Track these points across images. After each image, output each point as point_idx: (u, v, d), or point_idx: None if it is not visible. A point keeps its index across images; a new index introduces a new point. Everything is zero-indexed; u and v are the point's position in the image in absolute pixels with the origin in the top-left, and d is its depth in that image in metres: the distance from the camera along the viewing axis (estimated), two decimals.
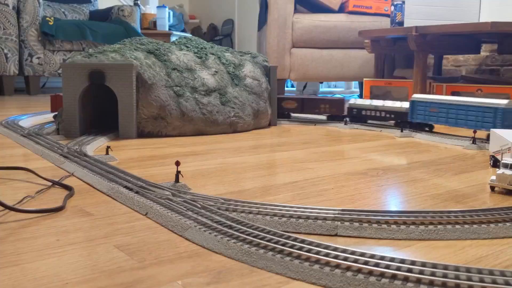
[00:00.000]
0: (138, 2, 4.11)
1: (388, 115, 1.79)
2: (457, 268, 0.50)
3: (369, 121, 1.91)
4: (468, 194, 0.88)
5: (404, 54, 3.01)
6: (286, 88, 3.85)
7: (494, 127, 1.33)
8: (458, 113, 1.44)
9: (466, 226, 0.66)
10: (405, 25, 2.50)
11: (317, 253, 0.54)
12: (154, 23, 4.24)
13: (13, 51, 3.27)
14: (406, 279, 0.49)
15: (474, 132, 1.43)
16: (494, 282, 0.47)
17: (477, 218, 0.68)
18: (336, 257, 0.53)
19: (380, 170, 1.08)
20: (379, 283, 0.48)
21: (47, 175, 0.97)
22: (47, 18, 3.37)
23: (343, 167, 1.11)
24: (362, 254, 0.53)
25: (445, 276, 0.49)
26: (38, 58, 3.35)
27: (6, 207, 0.72)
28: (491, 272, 0.49)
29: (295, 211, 0.70)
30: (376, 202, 0.82)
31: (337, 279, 0.50)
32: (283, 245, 0.57)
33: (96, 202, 0.80)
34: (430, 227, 0.65)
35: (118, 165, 1.10)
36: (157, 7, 4.25)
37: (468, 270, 0.50)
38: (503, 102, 1.35)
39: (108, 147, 1.18)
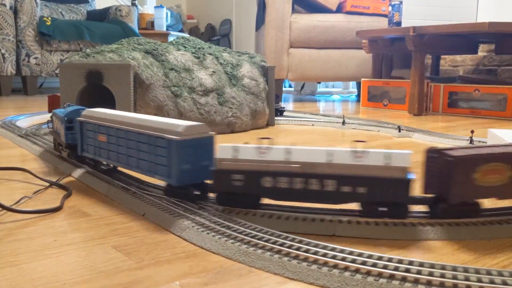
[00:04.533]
0: (136, 2, 4.10)
1: None
2: (454, 268, 0.50)
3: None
4: None
5: (401, 54, 3.02)
6: (284, 89, 3.85)
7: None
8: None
9: (463, 226, 0.66)
10: (403, 25, 2.50)
11: (315, 253, 0.54)
12: (152, 23, 4.23)
13: (10, 51, 3.26)
14: (404, 279, 0.49)
15: (472, 132, 1.43)
16: (491, 282, 0.47)
17: (474, 218, 0.68)
18: (334, 257, 0.53)
19: None
20: (377, 283, 0.48)
21: (44, 175, 0.97)
22: (45, 18, 3.36)
23: None
24: (360, 254, 0.53)
25: (442, 276, 0.49)
26: (36, 58, 3.35)
27: (4, 207, 0.72)
28: (488, 272, 0.49)
29: (293, 211, 0.70)
30: None
31: (335, 279, 0.50)
32: (281, 245, 0.57)
33: (94, 202, 0.80)
34: (428, 227, 0.65)
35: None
36: (155, 7, 4.25)
37: (465, 270, 0.50)
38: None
39: None
